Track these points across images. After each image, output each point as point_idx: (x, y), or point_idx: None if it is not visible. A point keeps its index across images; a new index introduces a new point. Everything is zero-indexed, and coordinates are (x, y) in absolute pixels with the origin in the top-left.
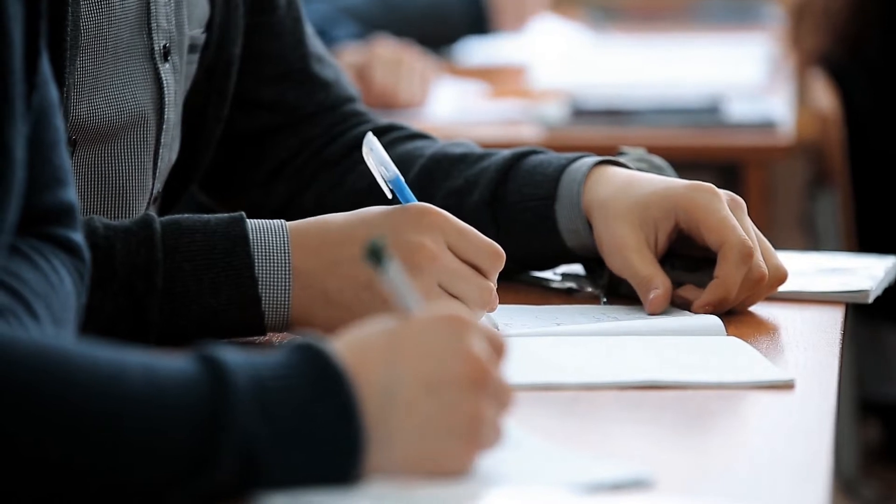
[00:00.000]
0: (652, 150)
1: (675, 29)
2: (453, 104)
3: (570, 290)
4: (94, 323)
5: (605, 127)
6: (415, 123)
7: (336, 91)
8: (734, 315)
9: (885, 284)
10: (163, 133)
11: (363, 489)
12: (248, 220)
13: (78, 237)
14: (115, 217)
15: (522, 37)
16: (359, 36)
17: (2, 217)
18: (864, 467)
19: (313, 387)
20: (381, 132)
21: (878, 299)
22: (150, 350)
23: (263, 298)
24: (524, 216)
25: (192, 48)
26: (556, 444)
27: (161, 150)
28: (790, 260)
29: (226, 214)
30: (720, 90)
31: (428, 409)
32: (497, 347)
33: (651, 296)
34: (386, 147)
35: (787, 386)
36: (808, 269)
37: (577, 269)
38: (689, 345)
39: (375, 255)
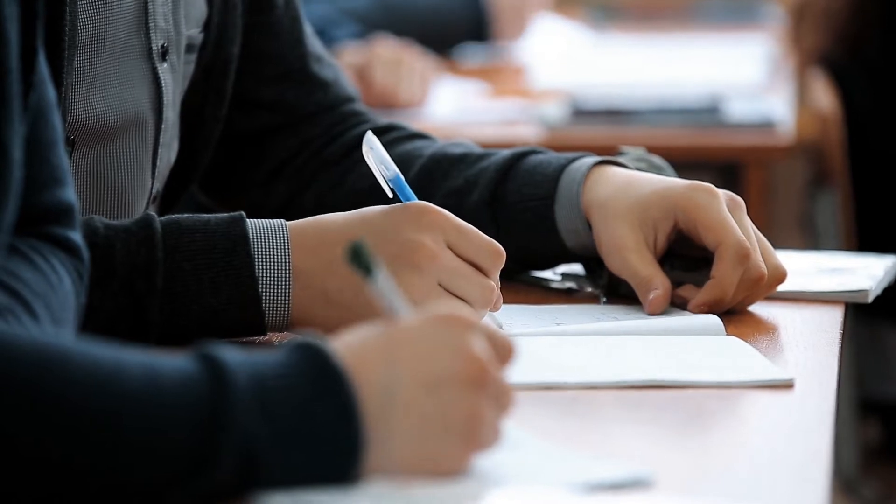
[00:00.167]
0: (652, 149)
1: (675, 28)
2: (453, 104)
3: (569, 290)
4: (94, 322)
5: (605, 127)
6: (415, 123)
7: (335, 91)
8: (734, 315)
9: (884, 284)
10: (161, 133)
11: (362, 489)
12: (248, 220)
13: (77, 237)
14: (114, 217)
15: (522, 36)
16: (359, 35)
17: (0, 217)
18: (865, 466)
19: (313, 386)
20: (380, 132)
21: (878, 298)
22: (149, 350)
23: (264, 298)
24: (524, 216)
25: (189, 48)
26: (556, 443)
27: (160, 150)
28: (790, 259)
29: (226, 214)
30: (720, 90)
31: (427, 409)
32: (504, 350)
33: (650, 296)
34: (385, 147)
35: (787, 385)
36: (808, 268)
37: (576, 269)
38: (689, 344)
39: (357, 257)
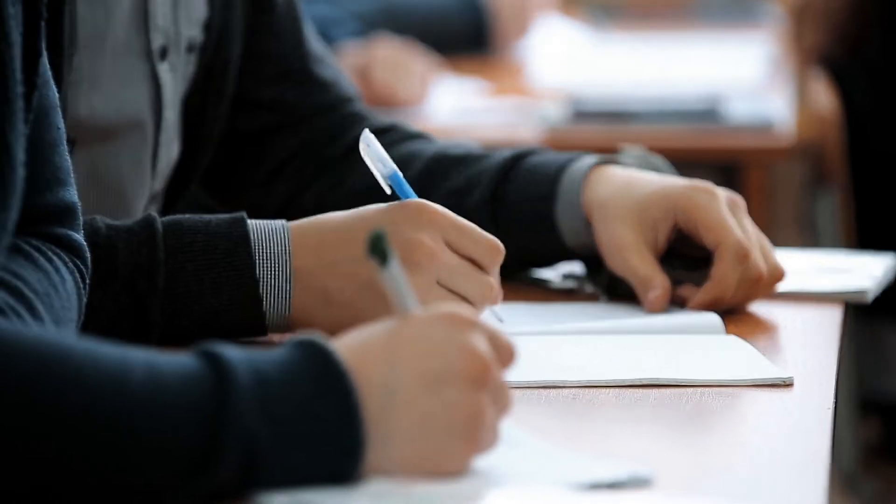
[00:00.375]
0: (651, 150)
1: (675, 27)
2: (453, 103)
3: (570, 290)
4: (96, 322)
5: (605, 127)
6: (415, 123)
7: (335, 91)
8: (733, 314)
9: (884, 284)
10: (161, 132)
11: (362, 488)
12: (249, 221)
13: (79, 236)
14: (114, 216)
15: (523, 39)
16: (359, 35)
17: (3, 217)
18: (864, 465)
19: (315, 385)
20: (380, 132)
21: (877, 298)
22: (151, 350)
23: (264, 299)
24: (524, 216)
25: (189, 48)
26: (556, 443)
27: (160, 150)
28: (789, 259)
29: (227, 214)
30: (720, 90)
31: (427, 408)
32: (505, 352)
33: (650, 295)
34: (386, 147)
35: (786, 384)
36: (808, 268)
37: (577, 268)
38: (689, 343)
39: (377, 247)
